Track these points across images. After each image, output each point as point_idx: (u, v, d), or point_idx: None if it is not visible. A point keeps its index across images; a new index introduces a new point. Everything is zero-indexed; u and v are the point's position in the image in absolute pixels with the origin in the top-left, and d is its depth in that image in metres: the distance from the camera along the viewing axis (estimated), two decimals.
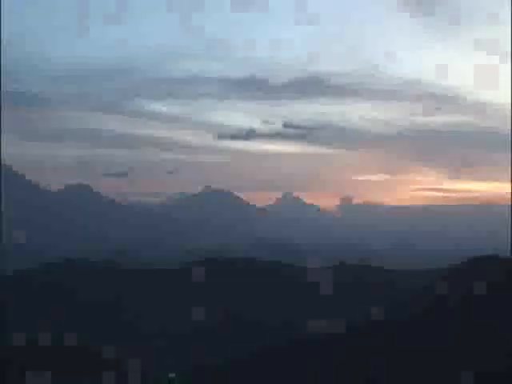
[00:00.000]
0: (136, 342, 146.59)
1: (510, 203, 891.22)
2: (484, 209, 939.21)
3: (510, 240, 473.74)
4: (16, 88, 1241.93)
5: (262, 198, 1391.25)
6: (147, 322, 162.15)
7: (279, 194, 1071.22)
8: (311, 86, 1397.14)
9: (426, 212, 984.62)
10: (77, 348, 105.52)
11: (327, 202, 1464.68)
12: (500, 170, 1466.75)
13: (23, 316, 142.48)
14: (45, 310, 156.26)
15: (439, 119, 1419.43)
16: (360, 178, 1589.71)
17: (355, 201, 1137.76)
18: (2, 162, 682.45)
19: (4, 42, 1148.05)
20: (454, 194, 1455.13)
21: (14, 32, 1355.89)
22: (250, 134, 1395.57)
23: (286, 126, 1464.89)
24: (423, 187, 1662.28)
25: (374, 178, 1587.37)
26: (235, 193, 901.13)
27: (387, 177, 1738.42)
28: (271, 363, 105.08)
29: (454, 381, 74.77)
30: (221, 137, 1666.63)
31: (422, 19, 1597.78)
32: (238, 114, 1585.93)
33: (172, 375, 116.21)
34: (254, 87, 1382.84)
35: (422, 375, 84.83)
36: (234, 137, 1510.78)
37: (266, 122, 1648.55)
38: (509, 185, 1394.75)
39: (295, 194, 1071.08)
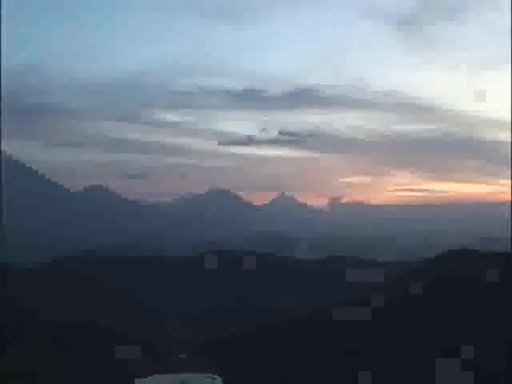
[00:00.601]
0: (153, 320, 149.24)
1: (479, 202, 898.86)
2: (457, 207, 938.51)
3: (479, 235, 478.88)
4: (44, 101, 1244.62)
5: (260, 198, 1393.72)
6: (160, 303, 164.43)
7: (275, 194, 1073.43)
8: (304, 98, 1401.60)
9: (404, 210, 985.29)
10: (101, 328, 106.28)
11: (318, 201, 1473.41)
12: (470, 171, 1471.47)
13: (51, 300, 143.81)
14: (69, 296, 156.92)
15: (416, 127, 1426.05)
16: (347, 180, 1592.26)
17: (343, 200, 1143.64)
18: (27, 165, 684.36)
19: (32, 63, 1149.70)
20: (428, 194, 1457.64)
21: (41, 52, 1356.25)
22: (249, 141, 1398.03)
23: (281, 133, 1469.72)
24: (401, 188, 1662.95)
25: (359, 179, 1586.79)
26: (236, 193, 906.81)
27: (370, 179, 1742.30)
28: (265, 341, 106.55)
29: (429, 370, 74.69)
30: (223, 143, 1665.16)
31: (406, 38, 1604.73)
32: (239, 123, 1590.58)
33: (182, 355, 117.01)
34: (252, 99, 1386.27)
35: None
36: (234, 143, 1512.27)
37: (263, 129, 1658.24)
38: (477, 185, 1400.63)
39: (290, 194, 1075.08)
